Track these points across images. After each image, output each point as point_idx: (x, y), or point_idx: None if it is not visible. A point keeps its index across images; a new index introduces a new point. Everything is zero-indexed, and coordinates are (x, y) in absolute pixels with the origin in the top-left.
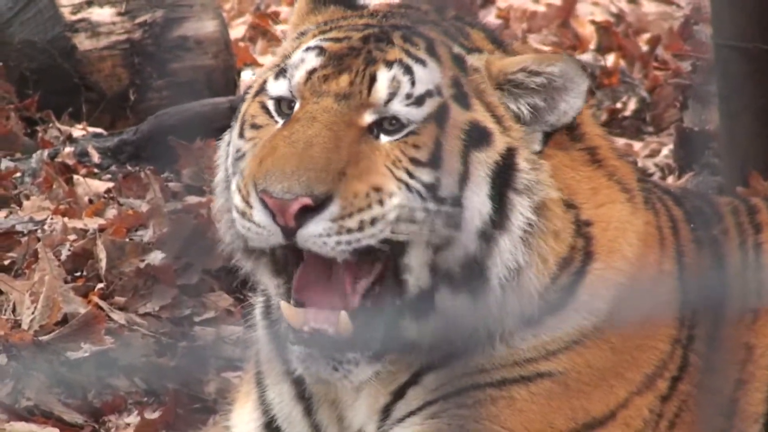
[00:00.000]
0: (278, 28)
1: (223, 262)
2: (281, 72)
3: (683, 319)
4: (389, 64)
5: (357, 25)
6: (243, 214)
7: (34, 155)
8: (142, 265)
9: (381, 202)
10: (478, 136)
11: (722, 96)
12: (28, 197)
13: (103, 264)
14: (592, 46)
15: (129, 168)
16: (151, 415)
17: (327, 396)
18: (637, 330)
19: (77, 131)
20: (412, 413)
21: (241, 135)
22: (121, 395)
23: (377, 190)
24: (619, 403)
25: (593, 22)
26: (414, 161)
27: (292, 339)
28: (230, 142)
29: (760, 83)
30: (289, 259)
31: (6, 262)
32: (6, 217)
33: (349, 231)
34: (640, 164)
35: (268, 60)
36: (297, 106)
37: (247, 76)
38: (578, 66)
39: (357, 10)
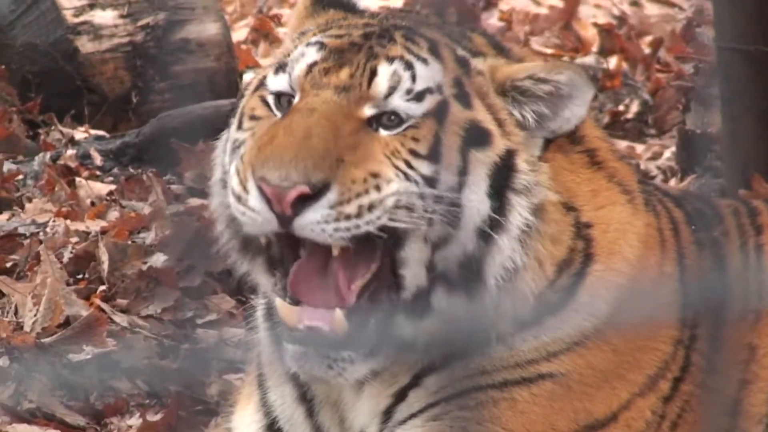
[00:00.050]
0: (280, 31)
1: (225, 264)
2: (281, 67)
3: (685, 320)
4: (390, 60)
5: (358, 24)
6: (239, 198)
7: (36, 158)
8: (144, 267)
9: (378, 188)
10: (477, 135)
11: (724, 98)
12: (30, 200)
13: (106, 266)
14: (594, 48)
15: (131, 170)
16: (153, 418)
17: (329, 398)
18: (639, 331)
19: (79, 134)
20: (413, 415)
21: (240, 126)
22: (123, 397)
23: (375, 176)
24: (621, 405)
25: (595, 24)
26: (413, 153)
27: (287, 337)
28: (228, 139)
29: (762, 86)
30: (285, 256)
31: (8, 265)
32: (8, 220)
33: (348, 217)
34: (642, 167)
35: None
36: (297, 99)
37: (249, 79)
38: (586, 75)
39: (357, 14)
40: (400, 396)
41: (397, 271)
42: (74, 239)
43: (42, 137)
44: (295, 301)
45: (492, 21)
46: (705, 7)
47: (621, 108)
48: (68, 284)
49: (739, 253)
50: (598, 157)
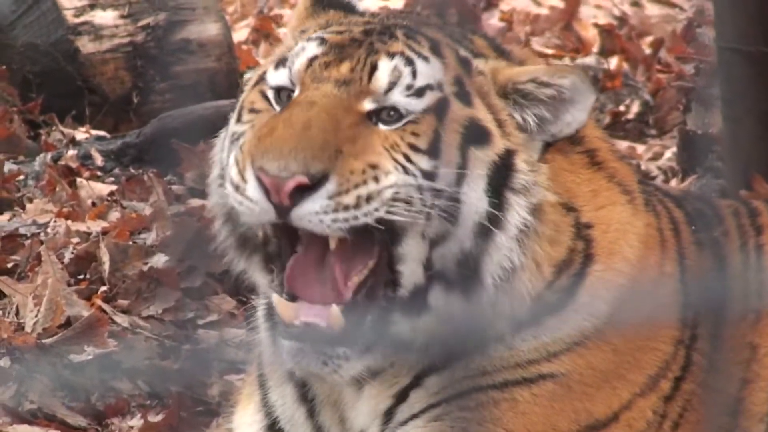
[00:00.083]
0: (281, 31)
1: (226, 265)
2: (281, 62)
3: (685, 320)
4: (391, 55)
5: (359, 22)
6: (237, 188)
7: (37, 158)
8: (145, 268)
9: (377, 179)
10: (477, 133)
11: (725, 99)
12: (31, 200)
13: (106, 267)
14: (595, 49)
15: (132, 171)
16: (155, 418)
17: (329, 398)
18: (639, 331)
19: (80, 134)
20: (414, 416)
21: (239, 119)
22: (124, 398)
23: (374, 167)
24: (621, 405)
25: (596, 25)
26: (412, 147)
27: (283, 333)
28: (226, 134)
29: (763, 87)
30: (282, 250)
31: (9, 265)
32: (9, 220)
33: (346, 208)
34: (643, 167)
35: None
36: (297, 92)
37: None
38: (588, 80)
39: (357, 14)
40: (402, 396)
41: (395, 267)
42: (75, 240)
43: (43, 138)
44: (292, 297)
45: (493, 21)
46: (706, 7)
47: (622, 108)
48: (69, 285)
49: (739, 253)
50: (598, 157)
